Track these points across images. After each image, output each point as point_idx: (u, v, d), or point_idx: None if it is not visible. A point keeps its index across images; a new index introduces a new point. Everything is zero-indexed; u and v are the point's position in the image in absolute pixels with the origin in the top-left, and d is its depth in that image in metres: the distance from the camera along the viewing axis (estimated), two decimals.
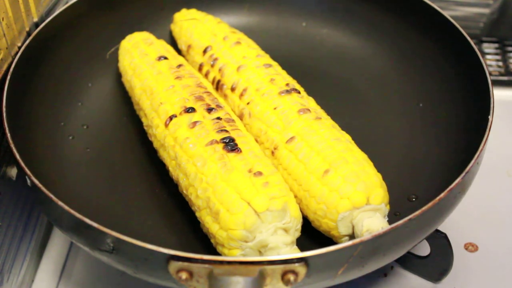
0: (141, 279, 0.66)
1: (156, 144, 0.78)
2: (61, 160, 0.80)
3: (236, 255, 0.65)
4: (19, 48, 0.80)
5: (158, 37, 0.91)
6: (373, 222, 0.66)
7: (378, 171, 0.72)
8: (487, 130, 0.70)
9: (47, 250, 0.84)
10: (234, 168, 0.68)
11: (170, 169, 0.75)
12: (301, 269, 0.57)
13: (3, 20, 0.77)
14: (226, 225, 0.65)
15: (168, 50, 0.87)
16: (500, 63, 1.12)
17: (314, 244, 0.72)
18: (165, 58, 0.84)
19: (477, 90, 0.78)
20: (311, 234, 0.72)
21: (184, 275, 0.57)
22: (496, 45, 1.15)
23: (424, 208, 0.61)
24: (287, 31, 1.00)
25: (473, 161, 0.66)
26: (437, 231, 0.71)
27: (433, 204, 0.62)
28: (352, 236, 0.69)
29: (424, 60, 0.90)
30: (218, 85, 0.84)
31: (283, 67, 0.85)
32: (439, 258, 0.75)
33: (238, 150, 0.69)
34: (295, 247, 0.66)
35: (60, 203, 0.63)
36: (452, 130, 0.80)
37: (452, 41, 0.84)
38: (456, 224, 0.84)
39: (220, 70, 0.84)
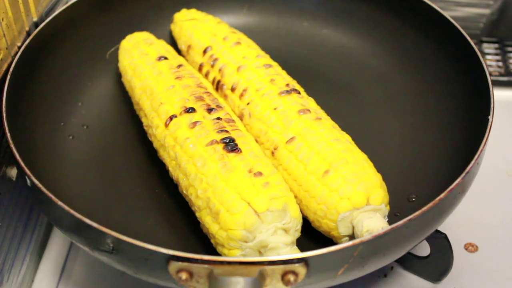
0: (141, 279, 0.66)
1: (156, 144, 0.78)
2: (61, 160, 0.80)
3: (236, 255, 0.65)
4: (19, 48, 0.80)
5: (158, 37, 0.91)
6: (373, 223, 0.66)
7: (378, 171, 0.72)
8: (487, 130, 0.70)
9: (47, 250, 0.84)
10: (234, 168, 0.68)
11: (170, 169, 0.75)
12: (301, 269, 0.57)
13: (3, 20, 0.77)
14: (226, 225, 0.65)
15: (168, 50, 0.87)
16: (500, 63, 1.12)
17: (314, 245, 0.72)
18: (165, 58, 0.84)
19: (477, 90, 0.78)
20: (311, 235, 0.72)
21: (184, 275, 0.57)
22: (496, 45, 1.15)
23: (424, 208, 0.61)
24: (287, 31, 1.00)
25: (473, 161, 0.66)
26: (437, 231, 0.71)
27: (433, 205, 0.62)
28: (352, 237, 0.69)
29: (424, 60, 0.90)
30: (218, 85, 0.84)
31: (283, 67, 0.85)
32: (439, 258, 0.75)
33: (238, 150, 0.69)
34: (295, 247, 0.66)
35: (60, 203, 0.63)
36: (452, 130, 0.80)
37: (452, 41, 0.84)
38: (456, 224, 0.84)
39: (220, 70, 0.84)
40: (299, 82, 0.83)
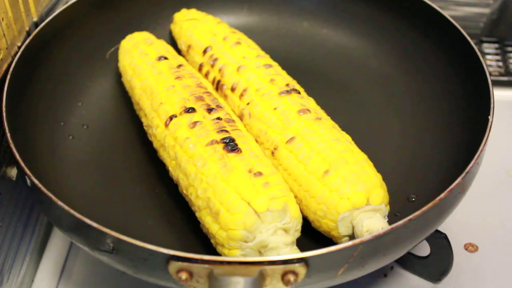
0: (141, 279, 0.66)
1: (156, 144, 0.78)
2: (61, 160, 0.80)
3: (236, 255, 0.65)
4: (19, 48, 0.80)
5: (158, 37, 0.91)
6: (373, 223, 0.66)
7: (378, 171, 0.71)
8: (487, 130, 0.70)
9: (47, 250, 0.84)
10: (234, 168, 0.68)
11: (170, 169, 0.75)
12: (301, 269, 0.57)
13: (3, 20, 0.77)
14: (226, 225, 0.65)
15: (168, 50, 0.87)
16: (500, 63, 1.12)
17: (314, 244, 0.72)
18: (165, 58, 0.84)
19: (477, 90, 0.78)
20: (311, 235, 0.72)
21: (184, 275, 0.57)
22: (496, 45, 1.15)
23: (424, 208, 0.61)
24: (287, 31, 1.00)
25: (473, 161, 0.66)
26: (437, 231, 0.71)
27: (433, 204, 0.62)
28: (352, 237, 0.69)
29: (424, 60, 0.90)
30: (218, 85, 0.84)
31: (283, 67, 0.85)
32: (439, 258, 0.75)
33: (238, 150, 0.69)
34: (295, 247, 0.66)
35: (60, 203, 0.63)
36: (452, 130, 0.80)
37: (452, 41, 0.84)
38: (456, 224, 0.84)
39: (220, 70, 0.84)
40: (299, 82, 0.83)
